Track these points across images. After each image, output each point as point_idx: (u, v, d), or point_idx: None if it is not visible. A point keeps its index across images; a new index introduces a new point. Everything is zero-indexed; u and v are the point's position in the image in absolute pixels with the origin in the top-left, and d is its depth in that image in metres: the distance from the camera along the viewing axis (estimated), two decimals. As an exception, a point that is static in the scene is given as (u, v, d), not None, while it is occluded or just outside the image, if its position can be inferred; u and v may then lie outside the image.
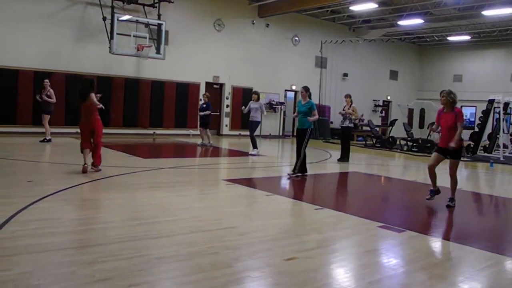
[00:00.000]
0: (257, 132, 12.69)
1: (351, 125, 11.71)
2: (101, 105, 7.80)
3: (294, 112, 18.56)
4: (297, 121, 8.96)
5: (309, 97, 8.79)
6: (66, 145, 12.20)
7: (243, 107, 12.81)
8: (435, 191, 6.59)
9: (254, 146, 12.21)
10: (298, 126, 8.89)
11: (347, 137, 11.83)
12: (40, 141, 11.89)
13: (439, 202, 6.63)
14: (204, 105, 13.78)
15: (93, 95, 7.58)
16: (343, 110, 11.71)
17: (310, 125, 8.67)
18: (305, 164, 8.71)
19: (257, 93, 12.50)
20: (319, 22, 21.70)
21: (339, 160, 11.61)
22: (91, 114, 7.56)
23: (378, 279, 3.48)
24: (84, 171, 7.36)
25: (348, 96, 11.81)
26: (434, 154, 6.59)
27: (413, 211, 6.48)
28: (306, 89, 8.77)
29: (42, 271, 3.22)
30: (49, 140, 11.92)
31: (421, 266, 3.85)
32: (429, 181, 9.56)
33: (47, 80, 12.19)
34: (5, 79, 13.60)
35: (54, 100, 12.01)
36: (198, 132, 15.23)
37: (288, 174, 8.59)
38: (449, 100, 6.27)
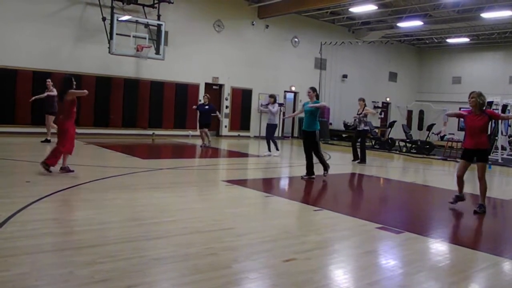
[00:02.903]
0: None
1: (367, 127, 12.02)
2: (85, 91, 7.38)
3: (294, 111, 18.75)
4: (304, 122, 8.79)
5: (317, 97, 8.79)
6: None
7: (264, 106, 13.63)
8: (460, 197, 6.53)
9: (269, 148, 12.49)
10: (304, 127, 8.72)
11: (363, 140, 12.12)
12: (42, 141, 11.85)
13: (439, 204, 6.64)
14: (206, 106, 13.73)
15: (71, 92, 7.27)
16: (358, 114, 11.92)
17: (317, 127, 8.64)
18: (312, 166, 8.68)
19: (273, 96, 12.72)
20: (318, 24, 21.73)
21: (359, 162, 11.77)
22: (63, 114, 7.35)
23: (376, 280, 3.48)
24: (64, 171, 7.21)
25: (361, 99, 12.10)
26: (461, 162, 6.53)
27: (411, 213, 6.49)
28: (313, 89, 8.79)
29: (40, 272, 3.21)
30: (49, 141, 11.87)
31: (419, 268, 3.86)
32: (427, 183, 9.59)
33: (49, 80, 12.03)
34: (4, 79, 13.58)
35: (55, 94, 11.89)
36: (198, 133, 15.17)
37: (324, 176, 8.82)
38: (479, 102, 6.18)
